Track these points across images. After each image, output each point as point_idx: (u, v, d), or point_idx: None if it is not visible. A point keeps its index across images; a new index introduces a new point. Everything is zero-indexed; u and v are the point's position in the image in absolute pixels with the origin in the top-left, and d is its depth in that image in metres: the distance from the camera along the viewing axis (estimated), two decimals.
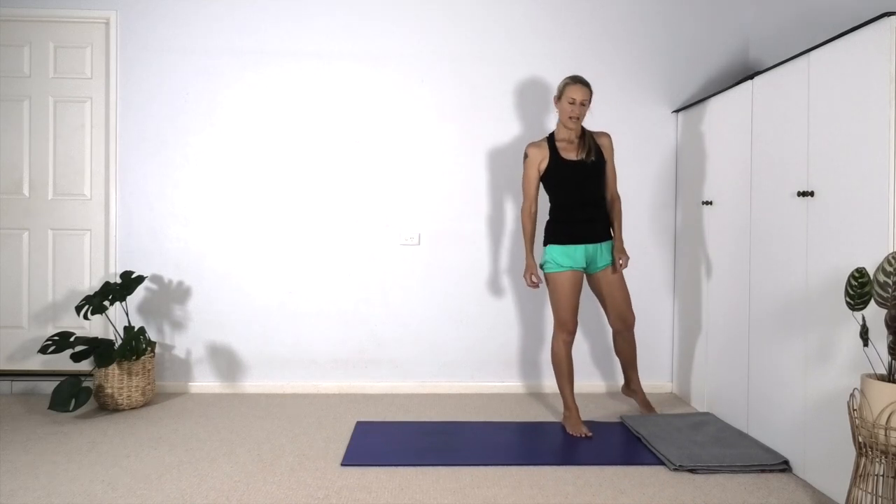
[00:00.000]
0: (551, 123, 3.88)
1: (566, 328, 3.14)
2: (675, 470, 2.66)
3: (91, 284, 3.89)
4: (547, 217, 3.25)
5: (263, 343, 3.87)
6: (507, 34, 3.90)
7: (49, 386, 3.77)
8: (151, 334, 3.85)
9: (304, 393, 3.86)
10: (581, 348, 3.90)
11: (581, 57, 3.91)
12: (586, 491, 2.48)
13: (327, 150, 3.88)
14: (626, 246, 3.93)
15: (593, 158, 3.14)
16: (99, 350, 3.37)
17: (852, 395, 2.07)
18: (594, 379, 3.92)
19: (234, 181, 3.86)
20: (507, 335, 3.92)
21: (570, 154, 3.14)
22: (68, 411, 3.21)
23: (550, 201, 3.22)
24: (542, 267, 3.21)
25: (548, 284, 3.18)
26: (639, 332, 3.90)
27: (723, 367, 3.28)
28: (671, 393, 3.91)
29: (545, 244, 3.21)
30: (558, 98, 3.13)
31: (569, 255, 3.12)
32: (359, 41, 3.87)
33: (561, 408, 3.53)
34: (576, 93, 3.05)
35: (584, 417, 3.38)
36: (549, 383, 3.89)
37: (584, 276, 3.24)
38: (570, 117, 3.07)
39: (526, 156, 3.17)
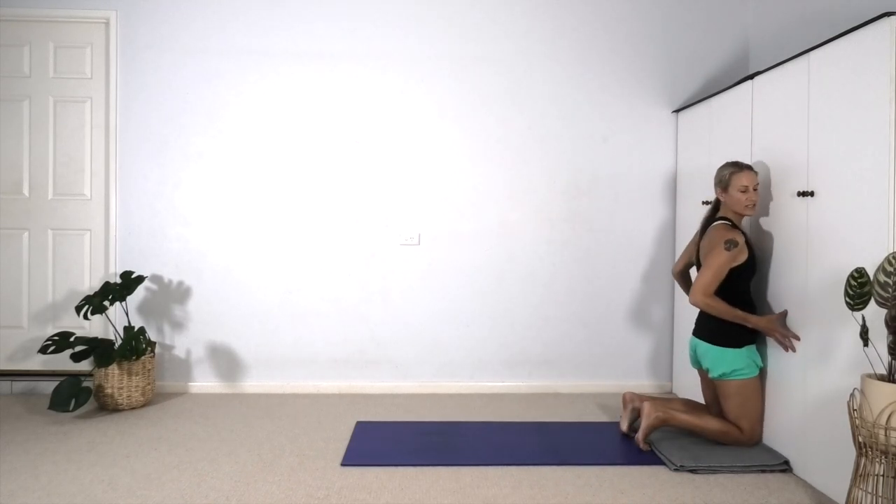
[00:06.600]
0: (550, 123, 3.88)
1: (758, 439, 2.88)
2: (676, 470, 2.66)
3: (91, 284, 3.89)
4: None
5: (263, 343, 3.87)
6: (507, 34, 3.90)
7: (49, 386, 3.78)
8: (151, 334, 3.85)
9: (304, 393, 3.86)
10: (582, 348, 3.90)
11: (581, 57, 3.91)
12: (586, 491, 2.48)
13: (327, 150, 3.88)
14: (627, 246, 3.95)
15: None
16: (99, 350, 3.37)
17: (852, 395, 2.07)
18: (595, 379, 3.92)
19: (234, 181, 3.86)
20: (506, 335, 3.91)
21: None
22: (68, 411, 3.21)
23: (731, 296, 2.83)
24: (726, 376, 2.82)
25: (740, 392, 2.81)
26: (639, 331, 3.91)
27: None
28: (671, 393, 3.90)
29: (728, 346, 2.82)
30: (724, 189, 2.87)
31: (755, 354, 2.87)
32: (359, 42, 3.87)
33: (561, 407, 3.53)
34: (745, 179, 2.81)
35: (584, 418, 3.39)
36: (549, 383, 3.90)
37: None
38: (747, 206, 2.83)
39: (735, 243, 2.75)
